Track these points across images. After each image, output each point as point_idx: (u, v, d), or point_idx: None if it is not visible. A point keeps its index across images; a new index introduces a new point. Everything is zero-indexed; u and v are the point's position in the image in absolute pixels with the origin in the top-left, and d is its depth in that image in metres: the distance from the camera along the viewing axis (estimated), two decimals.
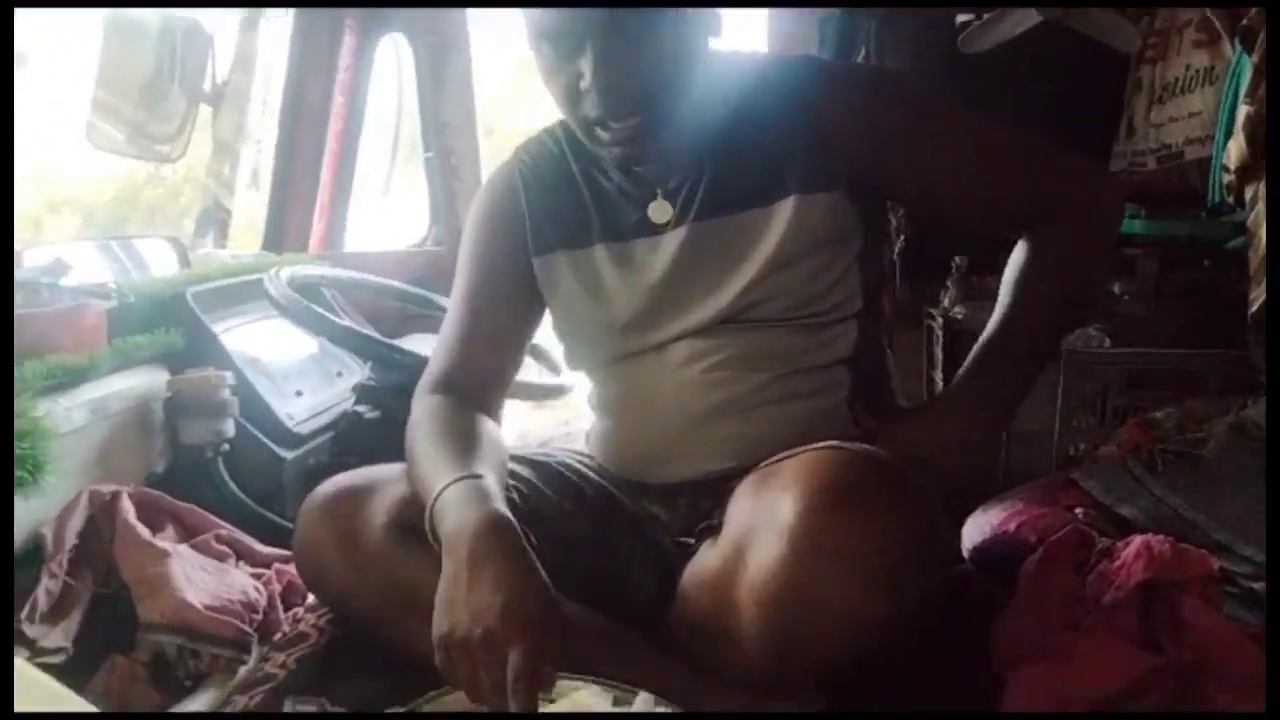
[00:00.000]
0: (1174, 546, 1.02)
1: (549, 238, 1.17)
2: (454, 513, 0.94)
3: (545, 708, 0.88)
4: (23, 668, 0.97)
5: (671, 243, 1.11)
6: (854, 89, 1.11)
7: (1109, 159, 2.05)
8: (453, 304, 1.22)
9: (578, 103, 1.02)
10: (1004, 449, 1.56)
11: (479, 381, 1.18)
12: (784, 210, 1.07)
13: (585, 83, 0.99)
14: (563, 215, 1.17)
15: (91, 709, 0.90)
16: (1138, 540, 1.04)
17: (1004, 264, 1.99)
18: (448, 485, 0.97)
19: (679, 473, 1.16)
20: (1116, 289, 1.68)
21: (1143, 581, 0.98)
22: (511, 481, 1.16)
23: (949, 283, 1.94)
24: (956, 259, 1.94)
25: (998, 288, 1.92)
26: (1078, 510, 1.24)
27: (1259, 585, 1.05)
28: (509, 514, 0.94)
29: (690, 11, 1.03)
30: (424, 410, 1.13)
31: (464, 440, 1.06)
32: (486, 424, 1.14)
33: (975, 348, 1.11)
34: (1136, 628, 0.97)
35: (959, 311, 1.86)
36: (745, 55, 1.19)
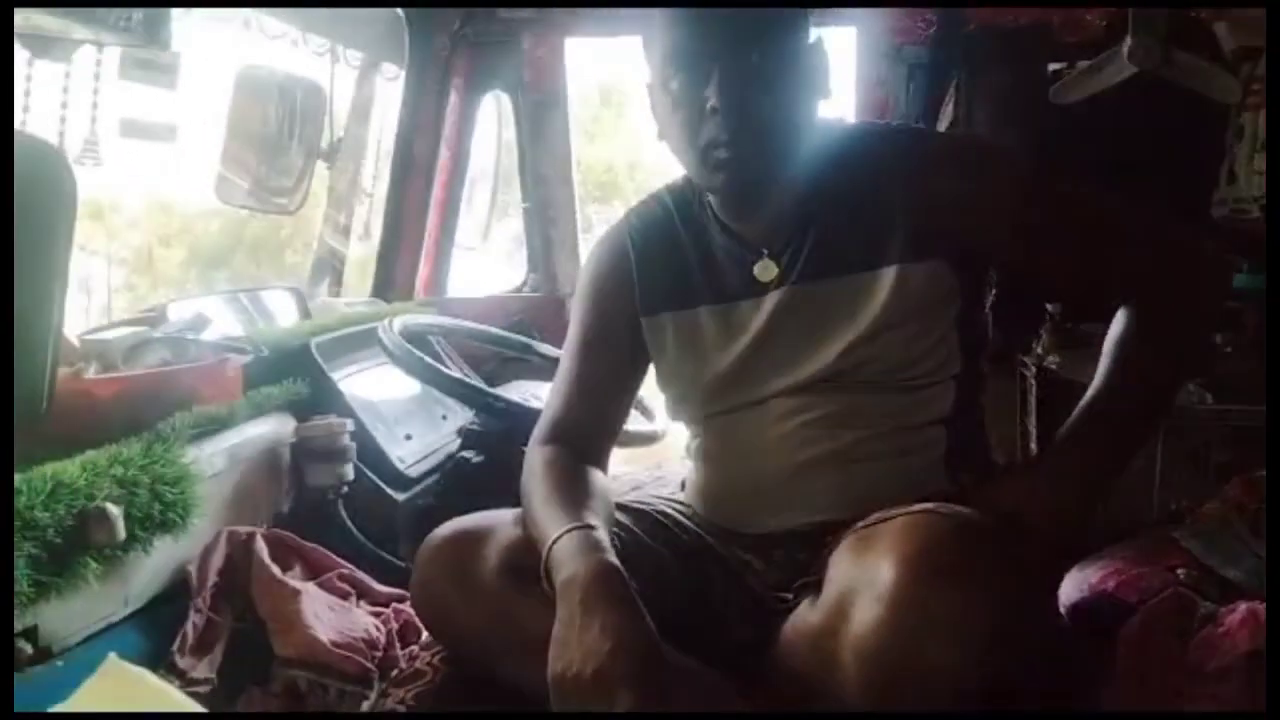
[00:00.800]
0: None
1: (656, 299, 1.24)
2: (568, 561, 1.01)
3: None
4: (181, 698, 1.06)
5: (772, 303, 1.17)
6: (959, 162, 1.15)
7: (1208, 207, 2.02)
8: (565, 358, 1.30)
9: (700, 127, 1.08)
10: (1103, 502, 1.55)
11: (589, 432, 1.25)
12: (887, 277, 1.11)
13: (711, 103, 1.06)
14: (670, 278, 1.23)
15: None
16: (1243, 607, 1.04)
17: (1097, 310, 1.98)
18: (562, 534, 1.04)
19: (774, 523, 1.19)
20: (1219, 340, 1.65)
21: (1250, 651, 0.98)
22: (613, 529, 1.22)
23: (1042, 330, 1.93)
24: (1050, 306, 1.93)
25: (1092, 334, 1.91)
26: (1179, 571, 1.23)
27: None
28: (618, 563, 1.01)
29: (805, 66, 1.11)
30: (539, 459, 1.20)
31: (576, 491, 1.13)
32: (596, 475, 1.21)
33: (1075, 412, 1.12)
34: (1243, 697, 0.97)
35: (1053, 360, 1.85)
36: (853, 124, 1.25)
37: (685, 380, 1.24)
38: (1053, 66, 2.16)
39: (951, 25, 2.22)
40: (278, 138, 2.36)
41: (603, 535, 1.05)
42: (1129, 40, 1.87)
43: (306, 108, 2.38)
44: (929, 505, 0.98)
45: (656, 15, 1.11)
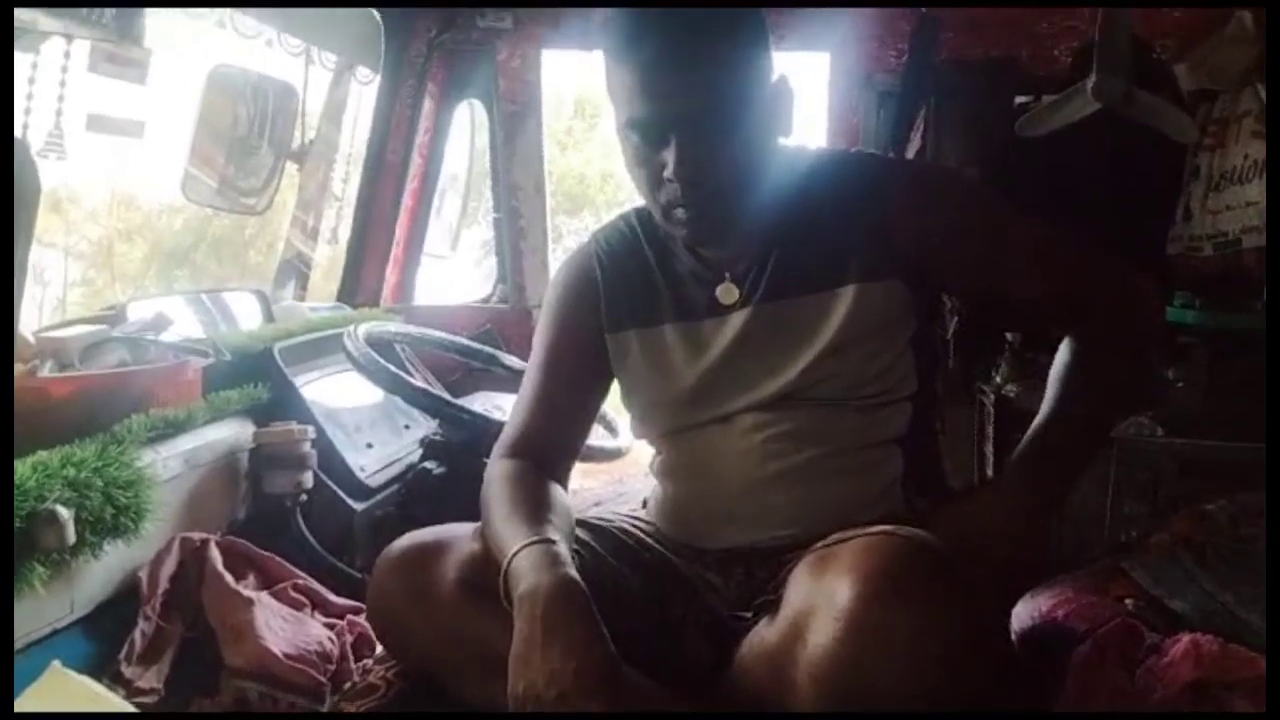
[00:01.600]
0: (1223, 647, 1.04)
1: (622, 316, 1.25)
2: (527, 574, 1.00)
3: None
4: (124, 708, 1.04)
5: (736, 322, 1.18)
6: (915, 187, 1.18)
7: (1165, 243, 2.07)
8: (529, 373, 1.30)
9: (658, 188, 1.10)
10: (1056, 531, 1.57)
11: (551, 447, 1.25)
12: (846, 296, 1.14)
13: (668, 172, 1.07)
14: (636, 296, 1.25)
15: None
16: (1186, 639, 1.06)
17: (1057, 341, 2.02)
18: (522, 548, 1.03)
19: (736, 539, 1.20)
20: (1170, 375, 1.69)
21: (1192, 681, 1.01)
22: (573, 545, 1.22)
23: (1000, 360, 1.96)
24: (1010, 336, 1.97)
25: (1049, 364, 1.95)
26: (1127, 601, 1.26)
27: None
28: (579, 579, 1.00)
29: (766, 115, 1.12)
30: (500, 472, 1.20)
31: (536, 505, 1.12)
32: (557, 490, 1.20)
33: (1024, 440, 1.16)
34: None
35: (1010, 389, 1.88)
36: (813, 150, 1.27)
37: (649, 397, 1.25)
38: (1019, 99, 2.21)
39: (922, 55, 2.26)
40: (248, 138, 2.34)
41: (563, 549, 1.04)
42: (1093, 77, 1.92)
43: (278, 108, 2.36)
44: (887, 527, 1.00)
45: (614, 68, 1.10)
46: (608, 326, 1.25)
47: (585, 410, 1.30)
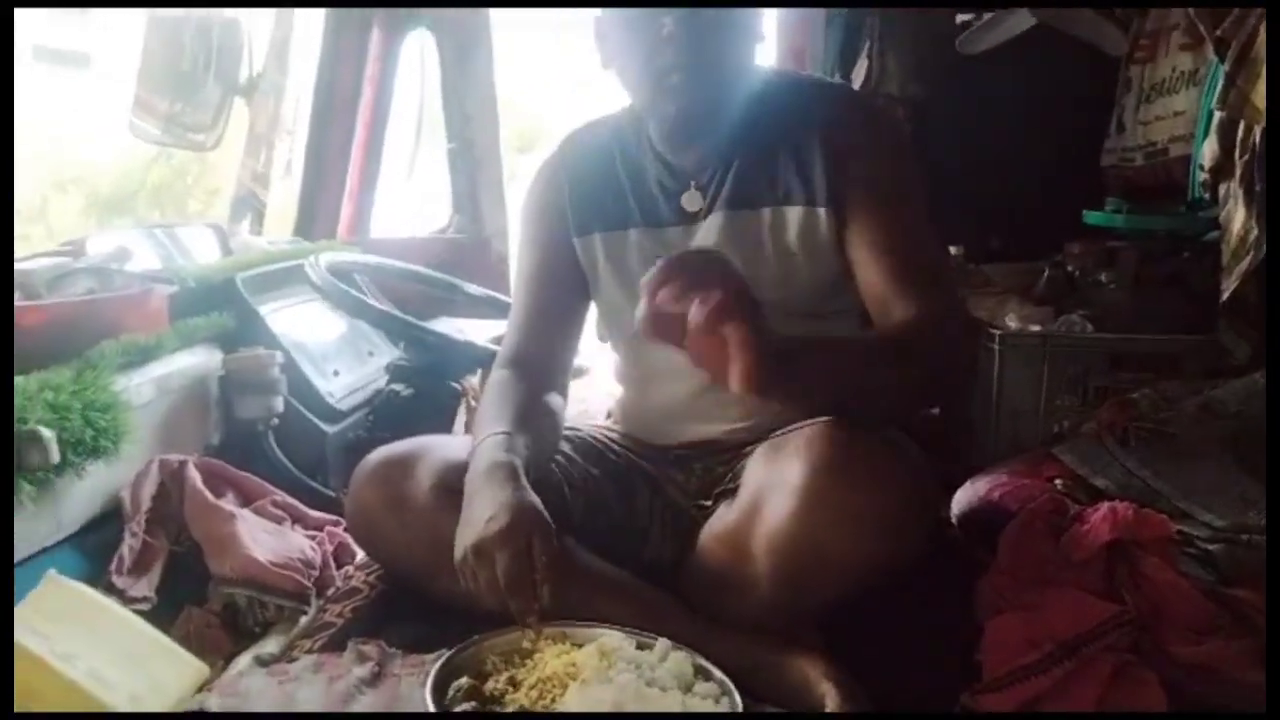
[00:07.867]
0: (1136, 511, 1.14)
1: (589, 220, 1.31)
2: (474, 462, 1.10)
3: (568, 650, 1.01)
4: (121, 611, 1.10)
5: (698, 230, 1.25)
6: (862, 127, 1.22)
7: (1099, 154, 2.15)
8: (514, 288, 1.38)
9: (656, 53, 1.14)
10: (994, 424, 1.67)
11: (540, 357, 1.32)
12: (794, 215, 1.21)
13: (668, 29, 1.11)
14: (602, 201, 1.30)
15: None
16: (1105, 506, 1.16)
17: (998, 253, 2.10)
18: (480, 442, 1.13)
19: (695, 433, 1.29)
20: (1103, 277, 1.79)
21: (1108, 541, 1.11)
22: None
23: None
24: (952, 248, 2.05)
25: (991, 276, 2.03)
26: (1056, 481, 1.37)
27: (1213, 547, 1.17)
28: (512, 458, 1.08)
29: (755, 13, 1.19)
30: (490, 383, 1.29)
31: (510, 406, 1.20)
32: (539, 395, 1.26)
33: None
34: (1101, 582, 1.09)
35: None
36: (783, 71, 1.33)
37: (615, 299, 1.31)
38: (961, 17, 2.26)
39: None
40: (193, 73, 2.30)
41: (516, 440, 1.12)
42: None
43: (224, 42, 2.32)
44: (831, 418, 1.08)
45: None
46: (575, 230, 1.31)
47: (570, 320, 1.36)
